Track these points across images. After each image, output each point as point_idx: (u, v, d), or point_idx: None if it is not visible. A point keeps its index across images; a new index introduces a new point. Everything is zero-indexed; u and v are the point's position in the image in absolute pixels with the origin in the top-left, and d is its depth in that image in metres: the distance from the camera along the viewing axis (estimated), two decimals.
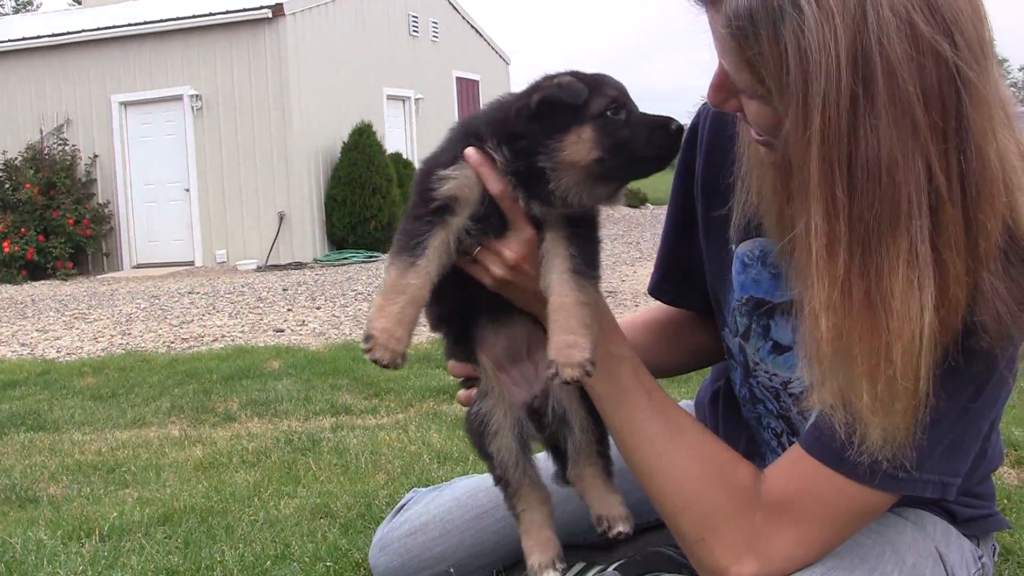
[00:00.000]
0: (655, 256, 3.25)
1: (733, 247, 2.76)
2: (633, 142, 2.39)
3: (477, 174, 2.45)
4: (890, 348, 1.99)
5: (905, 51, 1.86)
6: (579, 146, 2.39)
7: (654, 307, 3.28)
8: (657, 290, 3.21)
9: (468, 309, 2.72)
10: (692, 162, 2.93)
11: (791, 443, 2.74)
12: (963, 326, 2.09)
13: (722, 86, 2.23)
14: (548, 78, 2.47)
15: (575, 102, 2.40)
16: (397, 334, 2.40)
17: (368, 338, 2.39)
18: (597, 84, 2.45)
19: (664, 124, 2.41)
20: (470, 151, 2.45)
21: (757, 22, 1.95)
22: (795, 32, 1.90)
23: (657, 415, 2.55)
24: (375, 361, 2.38)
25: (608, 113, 2.40)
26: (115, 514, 5.17)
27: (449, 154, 2.50)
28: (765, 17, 1.94)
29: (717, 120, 2.80)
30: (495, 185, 2.45)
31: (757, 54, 1.98)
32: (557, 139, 2.40)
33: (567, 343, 2.40)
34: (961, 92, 1.90)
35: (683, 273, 3.11)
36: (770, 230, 2.46)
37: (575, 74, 2.46)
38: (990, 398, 2.30)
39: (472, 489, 3.39)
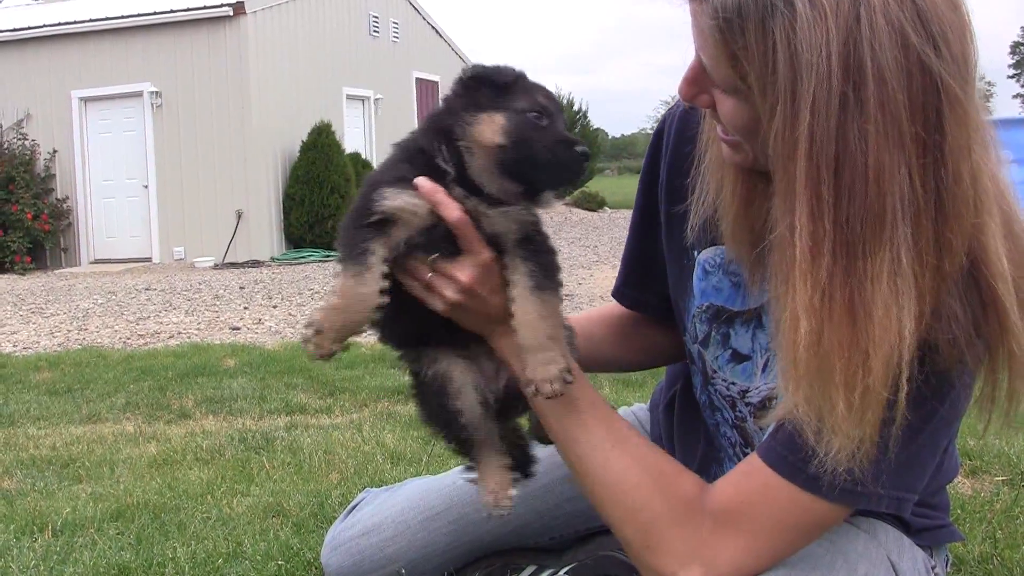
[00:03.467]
0: (618, 260, 3.24)
1: (695, 253, 2.76)
2: (536, 145, 2.40)
3: (432, 203, 2.43)
4: (868, 357, 1.98)
5: (896, 59, 1.87)
6: (488, 127, 2.41)
7: (614, 303, 3.29)
8: (619, 295, 3.21)
9: (419, 331, 2.71)
10: (657, 165, 2.91)
11: (745, 453, 2.76)
12: (920, 345, 2.07)
13: (696, 80, 2.22)
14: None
15: (502, 81, 2.45)
16: (335, 341, 2.41)
17: (305, 330, 2.39)
18: (532, 88, 2.49)
19: (572, 142, 2.42)
20: (422, 180, 2.43)
21: (746, 16, 1.94)
22: (786, 29, 1.90)
23: (599, 425, 2.53)
24: (319, 354, 2.37)
25: (528, 113, 2.42)
26: (68, 509, 5.18)
27: (392, 173, 2.49)
28: (755, 11, 1.93)
29: (682, 123, 2.77)
30: (453, 213, 2.42)
31: (742, 48, 1.98)
32: (472, 115, 2.44)
33: (541, 360, 2.41)
34: (943, 106, 1.91)
35: (644, 276, 3.09)
36: (725, 233, 2.47)
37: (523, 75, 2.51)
38: (946, 418, 2.28)
39: (424, 490, 3.39)
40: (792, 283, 2.02)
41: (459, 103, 2.49)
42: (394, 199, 2.42)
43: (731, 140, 2.26)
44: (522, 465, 2.86)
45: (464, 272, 2.49)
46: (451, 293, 2.51)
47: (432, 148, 2.48)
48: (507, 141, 2.40)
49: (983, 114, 2.05)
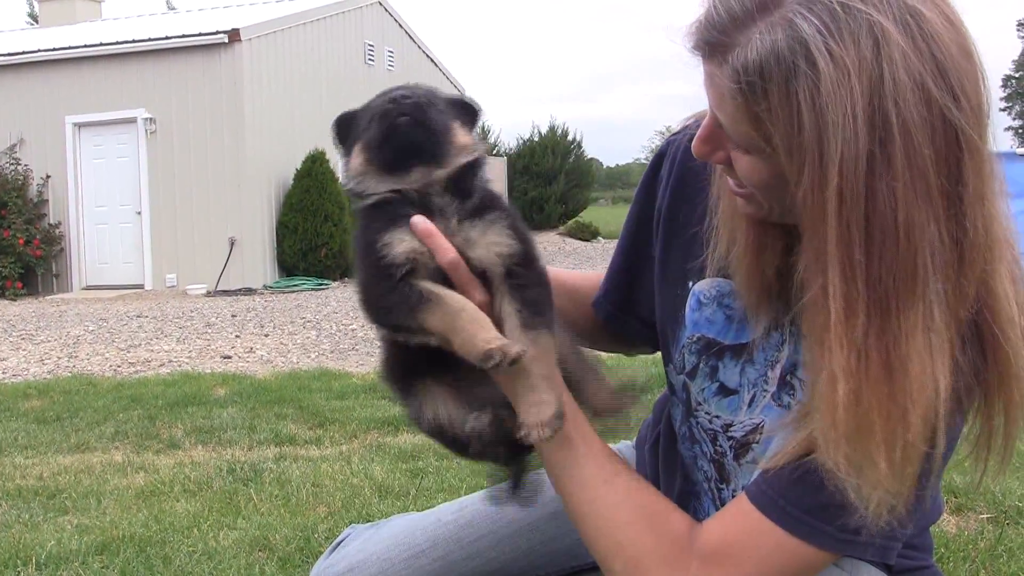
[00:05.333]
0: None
1: (690, 284, 2.73)
2: (375, 136, 2.47)
3: (428, 246, 2.41)
4: (907, 413, 1.97)
5: (920, 113, 1.86)
6: (355, 156, 2.53)
7: (592, 276, 3.27)
8: (597, 305, 3.17)
9: (417, 362, 2.68)
10: (654, 193, 2.87)
11: (719, 490, 2.77)
12: None
13: (711, 138, 2.20)
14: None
15: (346, 121, 2.63)
16: (498, 335, 2.37)
17: (488, 357, 2.30)
18: (368, 108, 2.57)
19: (392, 117, 2.46)
20: (417, 220, 2.43)
21: (768, 77, 1.93)
22: (810, 89, 1.88)
23: (592, 461, 2.51)
24: (513, 363, 2.31)
25: (367, 126, 2.50)
26: (53, 542, 5.17)
27: (382, 220, 2.49)
28: (777, 73, 1.92)
29: (687, 154, 2.76)
30: (447, 256, 2.41)
31: (765, 110, 1.96)
32: (348, 159, 2.57)
33: (532, 402, 2.40)
34: (964, 156, 1.91)
35: (627, 298, 3.05)
36: (739, 283, 2.47)
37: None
38: (936, 464, 2.20)
39: (409, 528, 3.38)
40: (827, 345, 2.01)
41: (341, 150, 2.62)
42: (398, 246, 2.42)
43: (745, 192, 2.25)
44: (525, 489, 2.84)
45: None
46: None
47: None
48: (369, 154, 2.49)
49: (995, 160, 2.04)
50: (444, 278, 2.45)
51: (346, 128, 2.61)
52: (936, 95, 1.87)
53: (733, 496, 2.52)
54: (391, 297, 2.42)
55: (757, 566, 2.31)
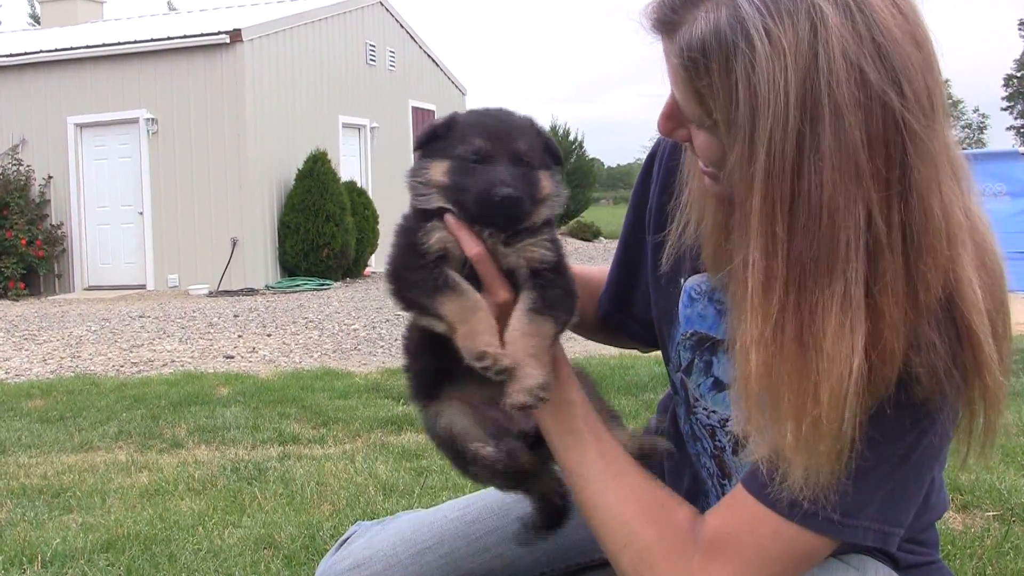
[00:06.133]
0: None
1: (682, 280, 2.75)
2: (467, 187, 2.46)
3: (455, 238, 2.46)
4: (818, 388, 1.99)
5: (853, 96, 1.88)
6: (436, 171, 2.50)
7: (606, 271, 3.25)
8: (599, 305, 3.20)
9: (444, 362, 2.69)
10: (647, 192, 2.92)
11: (722, 486, 2.78)
12: (899, 377, 2.08)
13: (671, 115, 2.24)
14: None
15: (441, 132, 2.56)
16: (499, 344, 2.40)
17: (481, 356, 2.36)
18: (468, 131, 2.55)
19: (492, 185, 2.45)
20: (448, 216, 2.48)
21: (709, 54, 1.97)
22: (746, 68, 1.91)
23: (601, 457, 2.53)
24: (500, 372, 2.37)
25: (467, 156, 2.48)
26: (58, 540, 5.17)
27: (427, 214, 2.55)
28: (718, 50, 1.95)
29: (673, 154, 2.77)
30: (473, 249, 2.45)
31: (707, 86, 2.00)
32: (428, 163, 2.54)
33: (518, 376, 2.38)
34: (907, 142, 1.92)
35: (626, 300, 3.08)
36: (707, 261, 2.49)
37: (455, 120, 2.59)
38: (930, 451, 2.27)
39: (416, 524, 3.38)
40: (744, 316, 2.04)
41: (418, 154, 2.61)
42: (434, 234, 2.48)
43: (710, 172, 2.27)
44: (555, 514, 2.84)
45: None
46: None
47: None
48: (450, 182, 2.48)
49: (954, 148, 2.07)
50: (475, 274, 2.49)
51: (433, 137, 2.60)
52: (874, 79, 1.89)
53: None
54: (418, 274, 2.48)
55: (757, 553, 2.32)
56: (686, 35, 2.01)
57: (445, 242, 2.48)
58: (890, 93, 1.90)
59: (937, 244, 1.99)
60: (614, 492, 2.50)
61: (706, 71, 1.99)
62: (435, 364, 2.66)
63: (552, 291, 2.51)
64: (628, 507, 2.48)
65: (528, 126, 2.60)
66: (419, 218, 2.54)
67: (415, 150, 2.63)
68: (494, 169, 2.46)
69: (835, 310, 1.96)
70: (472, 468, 2.70)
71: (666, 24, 2.09)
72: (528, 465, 2.58)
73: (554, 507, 2.79)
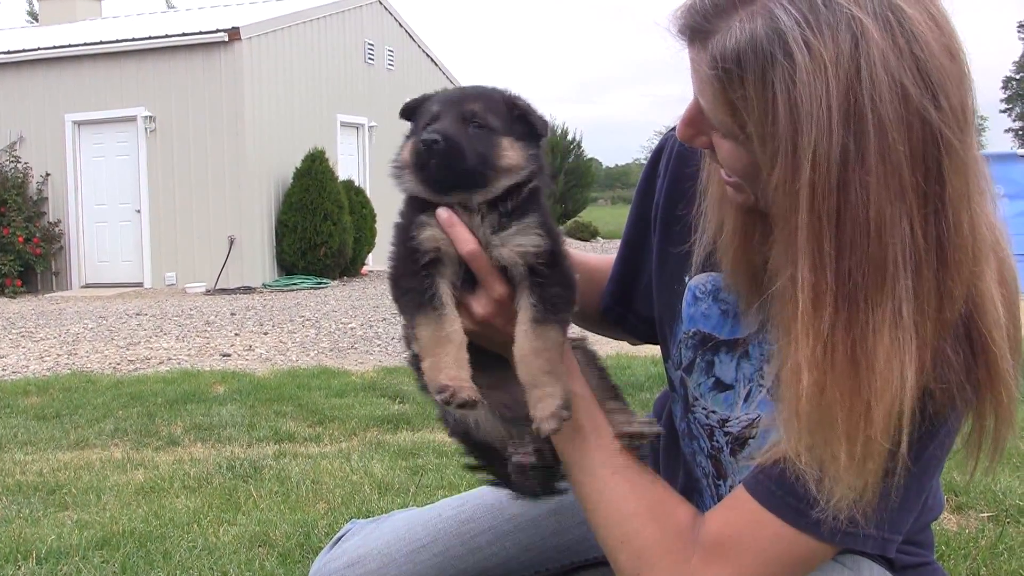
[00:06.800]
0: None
1: (687, 279, 2.74)
2: (413, 159, 2.51)
3: (448, 235, 2.46)
4: (871, 408, 1.98)
5: (896, 111, 1.87)
6: (404, 151, 2.56)
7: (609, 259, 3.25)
8: (605, 310, 3.19)
9: None
10: (653, 187, 2.90)
11: (716, 486, 2.78)
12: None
13: (694, 122, 2.22)
14: None
15: (409, 111, 2.64)
16: (463, 376, 2.40)
17: (442, 390, 2.36)
18: (429, 101, 2.60)
19: (422, 137, 2.48)
20: (440, 211, 2.48)
21: (745, 66, 1.95)
22: (785, 81, 1.90)
23: (602, 452, 2.54)
24: (460, 406, 2.37)
25: (424, 129, 2.50)
26: (53, 537, 5.17)
27: (417, 205, 2.57)
28: (754, 62, 1.93)
29: (682, 153, 2.75)
30: (466, 246, 2.45)
31: (741, 97, 1.98)
32: (402, 146, 2.59)
33: (537, 396, 2.41)
34: (943, 156, 1.91)
35: (628, 296, 3.07)
36: (725, 267, 2.48)
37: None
38: (934, 461, 2.28)
39: (410, 523, 3.37)
40: (794, 335, 2.02)
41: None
42: (425, 230, 2.48)
43: (732, 181, 2.26)
44: (547, 479, 2.83)
45: (479, 305, 2.52)
46: (466, 322, 2.50)
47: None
48: (412, 157, 2.51)
49: (981, 161, 2.06)
50: (467, 269, 2.50)
51: (410, 112, 2.64)
52: (914, 94, 1.88)
53: (730, 492, 2.52)
54: (410, 282, 2.48)
55: (756, 556, 2.32)
56: (719, 45, 2.00)
57: (436, 240, 2.47)
58: (929, 107, 1.89)
59: (964, 259, 1.99)
60: (614, 488, 2.51)
61: (741, 83, 1.97)
62: None
63: (551, 289, 2.50)
64: (628, 504, 2.48)
65: (494, 93, 2.60)
66: (410, 210, 2.55)
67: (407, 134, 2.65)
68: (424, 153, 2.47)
69: (887, 328, 1.95)
70: (482, 461, 2.71)
71: (697, 32, 2.07)
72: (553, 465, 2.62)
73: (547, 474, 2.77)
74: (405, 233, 2.51)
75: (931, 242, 1.94)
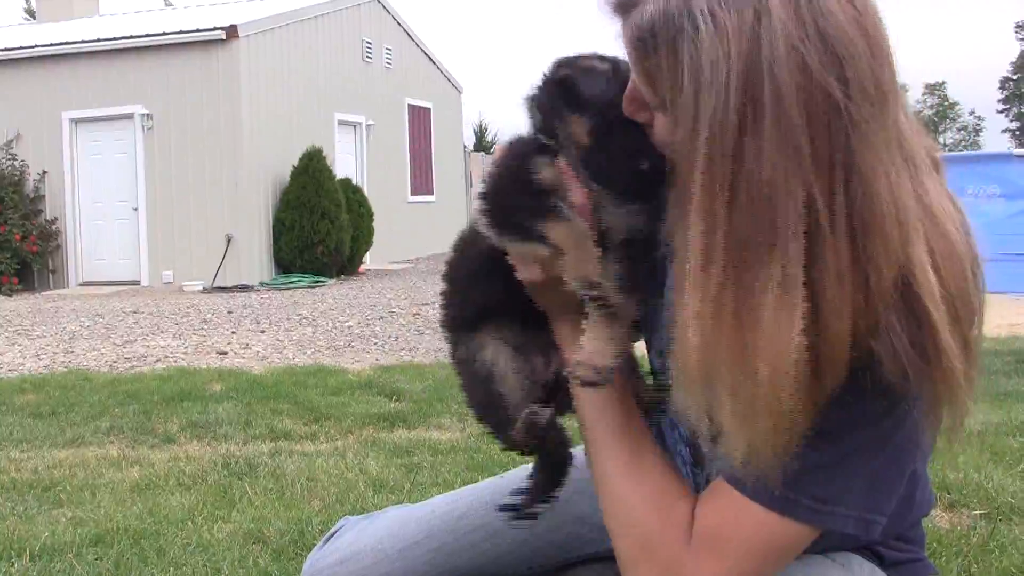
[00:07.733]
0: None
1: (668, 263, 2.76)
2: (607, 167, 2.40)
3: (565, 182, 2.42)
4: (755, 364, 2.01)
5: (796, 81, 1.90)
6: (577, 127, 2.41)
7: None
8: None
9: (490, 303, 2.65)
10: None
11: (694, 474, 2.78)
12: (863, 362, 2.09)
13: (633, 97, 2.24)
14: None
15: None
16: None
17: (593, 284, 2.36)
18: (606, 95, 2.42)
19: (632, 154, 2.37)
20: (562, 161, 2.42)
21: (658, 36, 1.99)
22: (691, 49, 1.94)
23: (624, 437, 2.52)
24: (608, 307, 2.38)
25: (608, 119, 2.38)
26: (47, 534, 5.18)
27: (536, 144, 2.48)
28: (665, 32, 1.98)
29: None
30: (578, 197, 2.42)
31: (655, 66, 2.03)
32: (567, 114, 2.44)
33: (594, 349, 2.42)
34: (848, 129, 1.94)
35: None
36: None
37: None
38: (909, 438, 2.26)
39: (403, 519, 3.38)
40: (684, 292, 2.06)
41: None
42: (545, 169, 2.42)
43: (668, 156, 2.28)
44: (555, 470, 2.83)
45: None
46: (538, 275, 2.48)
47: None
48: (592, 142, 2.40)
49: (910, 136, 2.10)
50: None
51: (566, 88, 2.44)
52: (815, 65, 1.91)
53: (707, 482, 2.54)
54: (523, 199, 2.43)
55: (741, 545, 2.32)
56: (637, 16, 2.05)
57: (555, 180, 2.42)
58: (832, 80, 1.92)
59: (887, 228, 2.00)
60: (628, 474, 2.50)
61: (654, 51, 2.02)
62: (483, 298, 2.66)
63: (631, 265, 2.49)
64: (638, 492, 2.48)
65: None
66: (532, 149, 2.46)
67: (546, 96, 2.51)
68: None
69: (773, 288, 1.97)
70: (512, 425, 2.69)
71: (621, 5, 2.12)
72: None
73: (559, 465, 2.75)
74: (522, 160, 2.45)
75: (838, 209, 1.97)
